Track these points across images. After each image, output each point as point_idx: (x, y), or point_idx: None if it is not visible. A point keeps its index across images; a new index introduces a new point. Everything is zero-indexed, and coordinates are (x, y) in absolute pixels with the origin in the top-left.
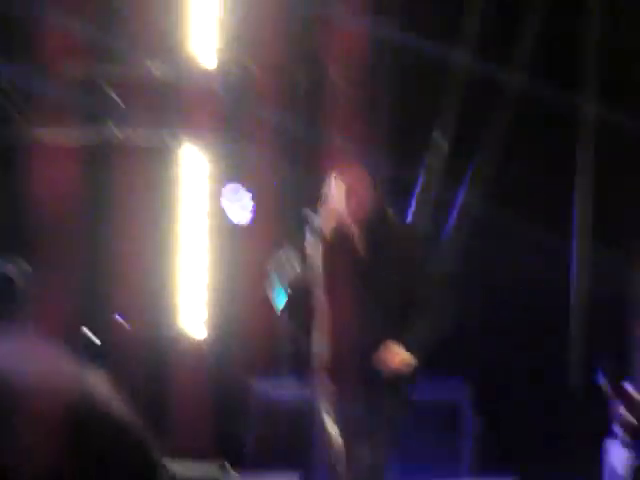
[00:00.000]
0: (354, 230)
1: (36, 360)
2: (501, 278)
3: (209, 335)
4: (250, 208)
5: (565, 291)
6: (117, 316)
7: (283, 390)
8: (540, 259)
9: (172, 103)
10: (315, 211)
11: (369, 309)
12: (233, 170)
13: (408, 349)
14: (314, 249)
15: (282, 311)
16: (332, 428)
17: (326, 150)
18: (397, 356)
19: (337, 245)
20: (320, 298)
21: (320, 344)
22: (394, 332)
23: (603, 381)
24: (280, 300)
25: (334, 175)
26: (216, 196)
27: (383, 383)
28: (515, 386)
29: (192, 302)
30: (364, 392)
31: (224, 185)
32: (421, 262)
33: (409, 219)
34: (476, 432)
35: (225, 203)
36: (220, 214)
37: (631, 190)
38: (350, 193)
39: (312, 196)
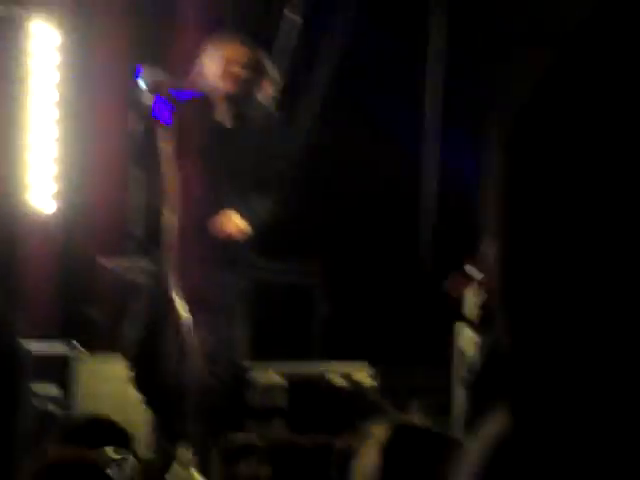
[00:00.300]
0: (221, 100)
1: None
2: (353, 161)
3: (58, 210)
4: None
5: (416, 176)
6: None
7: (133, 269)
8: (391, 140)
9: None
10: (175, 80)
11: (220, 181)
12: (85, 43)
13: (245, 218)
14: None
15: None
16: (181, 303)
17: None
18: (232, 222)
19: (199, 113)
20: (168, 173)
21: (169, 220)
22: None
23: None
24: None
25: (210, 45)
26: (66, 68)
27: (223, 254)
28: (367, 271)
29: (41, 176)
30: (208, 265)
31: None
32: (275, 145)
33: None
34: (328, 316)
35: None
36: (69, 86)
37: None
38: (224, 64)
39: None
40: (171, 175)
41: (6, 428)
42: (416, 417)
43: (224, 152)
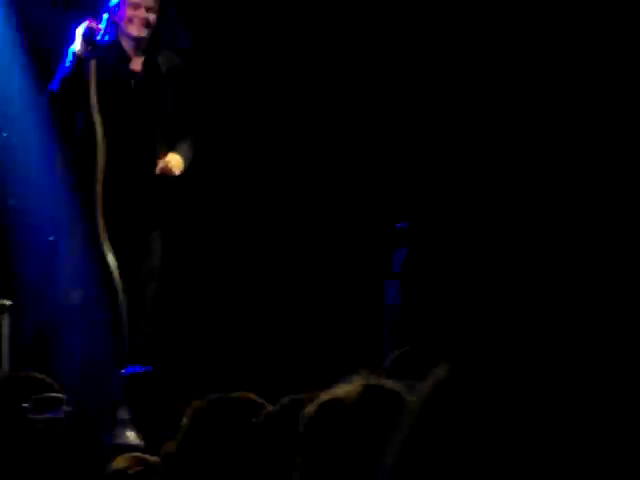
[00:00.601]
0: (131, 45)
1: None
2: None
3: None
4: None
5: None
6: None
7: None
8: None
9: None
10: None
11: (135, 129)
12: None
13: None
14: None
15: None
16: (110, 257)
17: None
18: (173, 160)
19: (114, 60)
20: (92, 121)
21: (93, 171)
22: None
23: None
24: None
25: None
26: None
27: (149, 210)
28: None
29: None
30: (136, 221)
31: None
32: (191, 93)
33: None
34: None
35: None
36: None
37: None
38: (130, 8)
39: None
40: (97, 125)
41: None
42: (386, 378)
43: (136, 100)
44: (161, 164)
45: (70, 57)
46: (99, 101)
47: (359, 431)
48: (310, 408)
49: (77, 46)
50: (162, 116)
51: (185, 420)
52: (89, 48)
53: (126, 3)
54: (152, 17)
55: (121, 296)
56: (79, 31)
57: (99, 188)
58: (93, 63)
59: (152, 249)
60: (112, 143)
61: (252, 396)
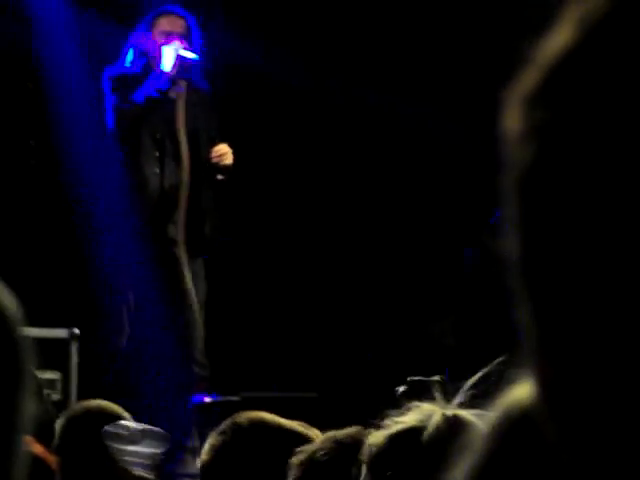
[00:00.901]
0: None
1: None
2: None
3: None
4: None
5: None
6: None
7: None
8: None
9: None
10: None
11: (198, 147)
12: None
13: None
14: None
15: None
16: (189, 275)
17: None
18: (225, 148)
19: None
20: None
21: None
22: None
23: None
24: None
25: (150, 19)
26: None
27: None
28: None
29: None
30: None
31: None
32: (218, 115)
33: None
34: None
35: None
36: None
37: None
38: (164, 36)
39: None
40: (182, 145)
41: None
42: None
43: (188, 126)
44: (216, 148)
45: (142, 75)
46: (149, 127)
47: (439, 466)
48: (377, 438)
49: (168, 67)
50: (205, 142)
51: (204, 456)
52: (181, 69)
53: (157, 32)
54: (187, 48)
55: (199, 323)
56: (170, 52)
57: (182, 211)
58: (184, 84)
59: (198, 276)
60: (165, 166)
61: (272, 420)
